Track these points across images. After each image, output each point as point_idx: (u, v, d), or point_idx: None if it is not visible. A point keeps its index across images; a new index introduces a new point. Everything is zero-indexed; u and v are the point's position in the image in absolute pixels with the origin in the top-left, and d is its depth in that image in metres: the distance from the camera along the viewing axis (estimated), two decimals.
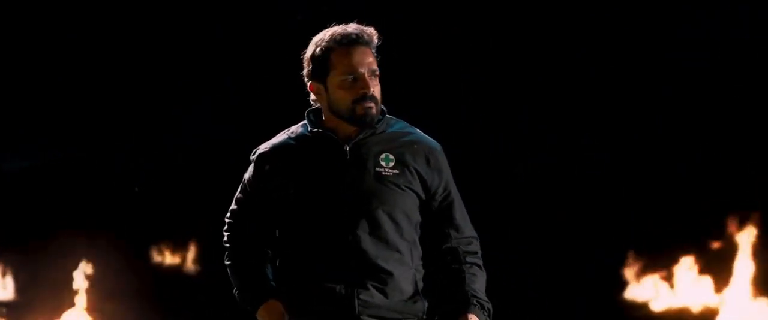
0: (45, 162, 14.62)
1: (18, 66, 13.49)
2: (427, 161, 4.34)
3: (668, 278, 11.75)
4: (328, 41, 4.25)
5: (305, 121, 4.40)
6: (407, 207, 4.29)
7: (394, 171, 4.26)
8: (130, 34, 13.23)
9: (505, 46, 11.66)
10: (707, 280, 11.58)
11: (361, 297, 4.21)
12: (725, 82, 11.50)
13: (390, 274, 4.24)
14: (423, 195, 4.33)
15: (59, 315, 12.96)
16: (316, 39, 4.30)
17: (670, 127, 11.66)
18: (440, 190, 4.37)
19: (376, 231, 4.23)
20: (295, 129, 4.41)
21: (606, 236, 11.70)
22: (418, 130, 4.42)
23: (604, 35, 11.58)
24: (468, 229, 4.44)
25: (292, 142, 4.36)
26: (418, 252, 4.38)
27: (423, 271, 4.37)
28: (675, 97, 11.65)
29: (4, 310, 12.82)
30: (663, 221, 11.58)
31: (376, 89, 4.26)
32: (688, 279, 11.64)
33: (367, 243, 4.22)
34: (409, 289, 4.30)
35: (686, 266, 11.64)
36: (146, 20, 13.18)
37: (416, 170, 4.30)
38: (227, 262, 4.50)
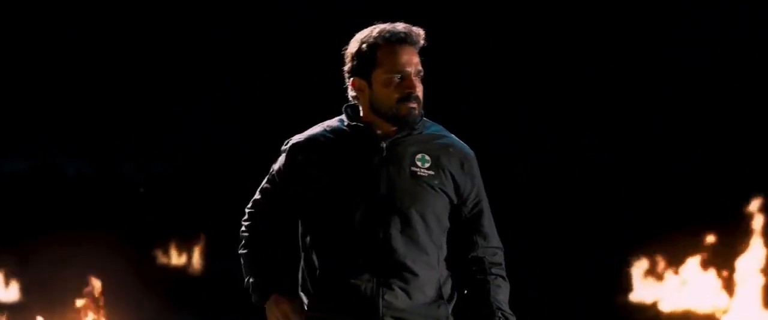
0: (45, 163, 14.62)
1: (18, 67, 13.49)
2: (462, 166, 4.29)
3: (671, 278, 11.74)
4: (375, 37, 4.17)
5: (342, 116, 4.31)
6: (438, 210, 4.24)
7: (429, 172, 4.22)
8: (130, 34, 13.23)
9: (505, 46, 11.67)
10: (712, 280, 11.56)
11: (386, 297, 4.16)
12: (725, 81, 11.50)
13: (415, 275, 4.20)
14: (455, 200, 4.28)
15: (63, 316, 12.94)
16: (360, 35, 4.22)
17: (671, 127, 11.66)
18: (472, 197, 4.33)
19: (407, 230, 4.19)
20: (331, 122, 4.31)
21: (607, 236, 11.70)
22: (454, 135, 4.36)
23: (605, 35, 11.58)
24: (495, 239, 4.39)
25: (328, 134, 4.27)
26: (444, 256, 4.31)
27: (447, 275, 4.33)
28: (675, 96, 11.65)
29: (6, 312, 12.80)
30: (665, 221, 11.58)
31: (420, 90, 4.21)
32: (692, 280, 11.63)
33: (398, 241, 4.18)
34: (432, 293, 4.25)
35: (689, 267, 11.62)
36: (146, 21, 13.17)
37: (451, 173, 4.25)
38: (242, 251, 4.40)
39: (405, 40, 4.16)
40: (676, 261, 11.76)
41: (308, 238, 4.29)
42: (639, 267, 11.83)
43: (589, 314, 11.75)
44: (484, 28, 11.50)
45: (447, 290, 4.29)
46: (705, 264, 11.61)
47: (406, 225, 4.18)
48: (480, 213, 4.34)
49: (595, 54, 11.60)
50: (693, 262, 11.66)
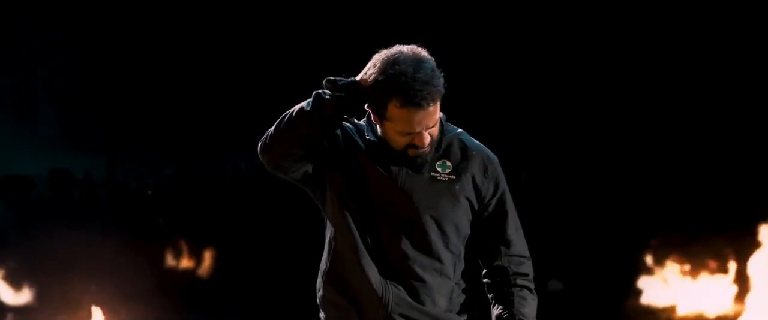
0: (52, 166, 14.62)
1: None
2: (485, 170, 4.17)
3: (683, 283, 11.68)
4: (391, 90, 3.92)
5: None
6: (458, 218, 4.12)
7: (450, 176, 4.11)
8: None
9: (505, 47, 11.63)
10: (725, 285, 11.50)
11: (394, 301, 4.08)
12: (739, 84, 11.45)
13: (423, 282, 4.09)
14: (475, 205, 4.16)
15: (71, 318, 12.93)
16: (381, 64, 3.96)
17: (676, 135, 11.60)
18: (494, 201, 4.18)
19: (419, 237, 4.08)
20: (362, 122, 4.24)
21: (617, 241, 11.64)
22: (476, 140, 4.24)
23: (614, 37, 11.55)
24: (520, 247, 4.21)
25: (358, 131, 4.20)
26: (462, 266, 4.20)
27: (462, 286, 4.19)
28: (689, 100, 11.60)
29: (11, 315, 12.79)
30: (677, 225, 11.51)
31: (432, 133, 4.04)
32: (704, 284, 11.56)
33: (406, 245, 4.07)
34: (443, 302, 4.14)
35: (702, 271, 11.56)
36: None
37: (472, 177, 4.14)
38: (279, 125, 4.04)
39: (420, 104, 3.92)
40: (688, 266, 11.69)
41: (328, 232, 4.21)
42: (650, 271, 11.76)
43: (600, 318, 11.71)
44: (483, 30, 11.46)
45: (459, 302, 4.19)
46: (717, 269, 11.54)
47: (419, 231, 4.09)
48: (504, 219, 4.20)
49: (606, 57, 11.55)
50: (705, 267, 11.59)
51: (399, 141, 4.04)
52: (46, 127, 14.86)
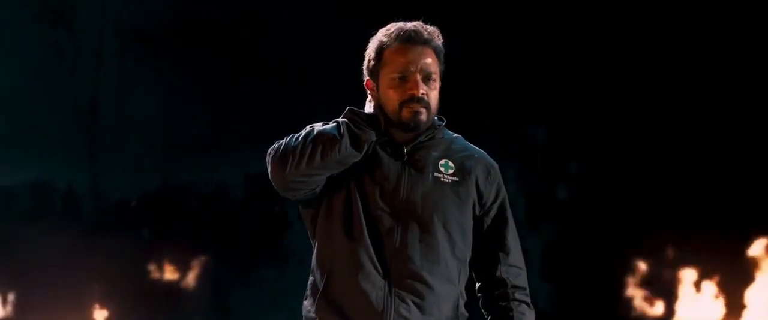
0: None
1: None
2: (487, 173, 4.02)
3: (679, 296, 11.64)
4: (384, 36, 3.93)
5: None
6: (463, 222, 3.96)
7: (453, 178, 3.95)
8: None
9: (504, 47, 11.63)
10: (722, 296, 11.47)
11: (398, 309, 3.86)
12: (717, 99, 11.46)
13: (430, 288, 3.89)
14: (477, 209, 4.00)
15: None
16: (376, 34, 3.99)
17: (675, 135, 11.58)
18: (495, 207, 4.04)
19: (426, 239, 3.90)
20: None
21: (616, 243, 11.61)
22: (476, 146, 4.09)
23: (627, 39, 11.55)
24: (518, 257, 4.07)
25: None
26: (466, 275, 4.02)
27: (466, 298, 4.02)
28: (677, 102, 11.58)
29: None
30: (676, 226, 11.46)
31: (431, 94, 3.91)
32: (701, 298, 11.52)
33: (414, 249, 3.89)
34: (448, 311, 3.95)
35: (697, 284, 11.52)
36: None
37: (476, 179, 3.99)
38: (303, 138, 3.86)
39: (412, 38, 3.90)
40: (689, 275, 11.64)
41: (322, 240, 3.97)
42: (648, 285, 11.73)
43: None
44: (483, 32, 11.44)
45: (465, 311, 3.99)
46: (719, 283, 11.49)
47: (426, 234, 3.90)
48: (504, 226, 4.05)
49: (606, 57, 11.53)
50: (706, 277, 11.54)
51: (393, 97, 3.89)
52: (28, 137, 14.78)
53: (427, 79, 3.91)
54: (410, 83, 3.88)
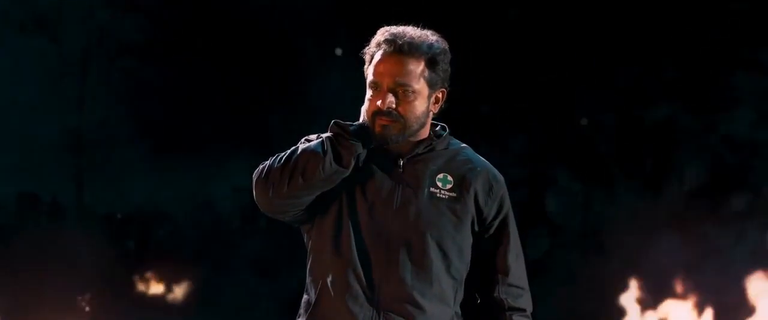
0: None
1: None
2: (489, 188, 3.80)
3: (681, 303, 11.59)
4: (373, 41, 3.73)
5: None
6: (460, 240, 3.75)
7: (450, 193, 3.74)
8: None
9: (504, 47, 11.61)
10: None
11: None
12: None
13: (422, 310, 3.69)
14: (476, 226, 3.79)
15: None
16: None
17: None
18: (496, 223, 3.81)
19: (418, 258, 3.70)
20: None
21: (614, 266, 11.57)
22: (482, 158, 3.87)
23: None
24: (519, 277, 3.84)
25: None
26: (462, 295, 3.82)
27: (460, 316, 3.81)
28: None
29: None
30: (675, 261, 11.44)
31: (405, 107, 3.67)
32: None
33: (406, 269, 3.69)
34: None
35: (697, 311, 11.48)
36: None
37: (475, 194, 3.76)
38: (286, 159, 3.68)
39: (390, 46, 3.66)
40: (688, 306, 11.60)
41: (314, 255, 3.78)
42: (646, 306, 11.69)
43: None
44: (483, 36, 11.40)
45: None
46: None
47: (419, 254, 3.69)
48: (504, 244, 3.82)
49: (606, 56, 11.52)
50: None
51: (366, 109, 3.69)
52: (12, 149, 14.67)
53: (399, 91, 3.68)
54: (376, 96, 3.68)
